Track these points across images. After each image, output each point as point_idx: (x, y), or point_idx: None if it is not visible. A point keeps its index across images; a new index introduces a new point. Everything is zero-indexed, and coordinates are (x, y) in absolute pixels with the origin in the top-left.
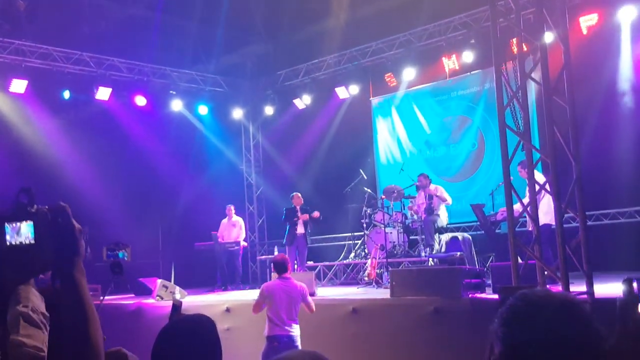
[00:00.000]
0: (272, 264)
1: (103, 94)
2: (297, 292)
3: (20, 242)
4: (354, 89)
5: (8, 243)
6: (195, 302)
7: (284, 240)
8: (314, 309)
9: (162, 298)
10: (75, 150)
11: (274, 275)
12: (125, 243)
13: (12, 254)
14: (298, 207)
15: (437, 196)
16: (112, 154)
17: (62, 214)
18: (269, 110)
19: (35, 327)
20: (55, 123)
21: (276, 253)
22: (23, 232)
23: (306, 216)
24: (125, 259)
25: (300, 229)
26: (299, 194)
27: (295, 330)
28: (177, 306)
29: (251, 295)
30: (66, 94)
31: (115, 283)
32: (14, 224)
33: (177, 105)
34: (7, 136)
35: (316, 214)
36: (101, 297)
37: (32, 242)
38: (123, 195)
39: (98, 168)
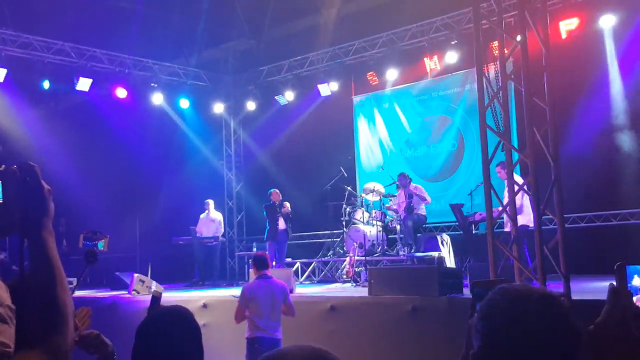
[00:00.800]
0: (251, 260)
1: (83, 84)
2: (279, 291)
3: None
4: (336, 87)
5: None
6: (172, 297)
7: (265, 237)
8: (295, 313)
9: (138, 292)
10: (54, 141)
11: (252, 272)
12: (103, 233)
13: None
14: (277, 203)
15: (416, 195)
16: (92, 145)
17: (31, 173)
18: (250, 105)
19: (1, 322)
20: (34, 113)
21: (255, 250)
22: None
23: (287, 207)
24: (102, 249)
25: (281, 225)
26: (277, 190)
27: (279, 333)
28: (156, 298)
29: (229, 292)
30: (46, 84)
31: (90, 273)
32: None
33: (158, 98)
34: None
35: (286, 205)
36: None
37: (0, 201)
38: (102, 187)
39: (77, 159)
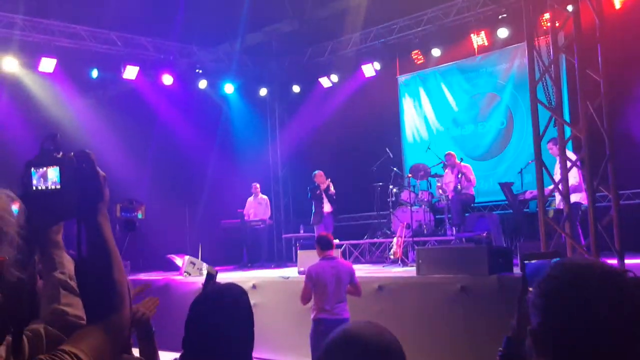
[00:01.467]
0: (315, 240)
1: (130, 72)
2: (345, 272)
3: (46, 187)
4: (380, 67)
5: (34, 187)
6: (221, 279)
7: (311, 220)
8: (361, 293)
9: (189, 274)
10: (103, 129)
11: (316, 252)
12: (139, 201)
13: (38, 198)
14: (321, 186)
15: (463, 173)
16: (139, 132)
17: (87, 160)
18: (294, 88)
19: (75, 295)
20: (83, 102)
21: (301, 232)
22: (50, 177)
23: (331, 189)
24: (141, 217)
25: (327, 207)
26: (321, 172)
27: (346, 312)
28: (212, 275)
29: (277, 273)
30: (94, 73)
31: (142, 256)
32: (40, 169)
33: (203, 83)
34: (37, 114)
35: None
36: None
37: (58, 187)
38: (150, 173)
39: (125, 147)
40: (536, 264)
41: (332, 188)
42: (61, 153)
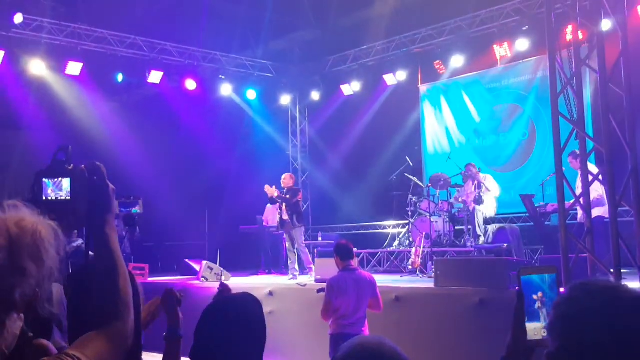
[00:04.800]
0: (334, 249)
1: (155, 77)
2: (367, 285)
3: (57, 198)
4: (402, 76)
5: (44, 197)
6: (239, 284)
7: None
8: (382, 308)
9: (207, 279)
10: (127, 133)
11: (335, 262)
12: (137, 195)
13: (47, 208)
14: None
15: (484, 184)
16: (162, 137)
17: (98, 172)
18: (316, 96)
19: None
20: (108, 105)
21: (320, 239)
22: (65, 188)
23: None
24: (139, 211)
25: (284, 215)
26: (287, 175)
27: (366, 328)
28: (222, 292)
29: (295, 280)
30: (119, 77)
31: (161, 259)
32: (56, 180)
33: (226, 89)
34: (62, 117)
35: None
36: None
37: (68, 197)
38: (172, 177)
39: (149, 150)
40: None
41: (298, 195)
42: (72, 165)
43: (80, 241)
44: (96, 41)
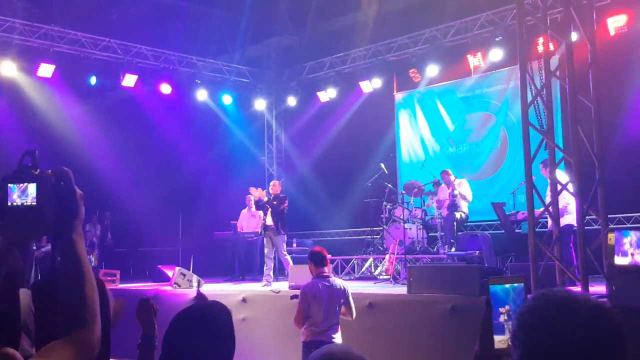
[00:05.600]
0: (308, 256)
1: (129, 80)
2: (340, 292)
3: (22, 203)
4: (378, 84)
5: (10, 203)
6: (212, 291)
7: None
8: (354, 315)
9: (179, 286)
10: (100, 136)
11: (297, 268)
12: (91, 248)
13: (13, 214)
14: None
15: (458, 190)
16: (136, 141)
17: (65, 178)
18: (292, 102)
19: None
20: (81, 108)
21: (295, 246)
22: (30, 193)
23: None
24: (93, 263)
25: (268, 220)
26: (275, 182)
27: (338, 336)
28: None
29: (268, 287)
30: (93, 80)
31: (133, 266)
32: (21, 185)
33: (201, 94)
34: (33, 119)
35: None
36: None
37: (34, 203)
38: (146, 182)
39: (122, 154)
40: None
41: (284, 203)
42: (38, 170)
43: (49, 246)
44: (69, 43)
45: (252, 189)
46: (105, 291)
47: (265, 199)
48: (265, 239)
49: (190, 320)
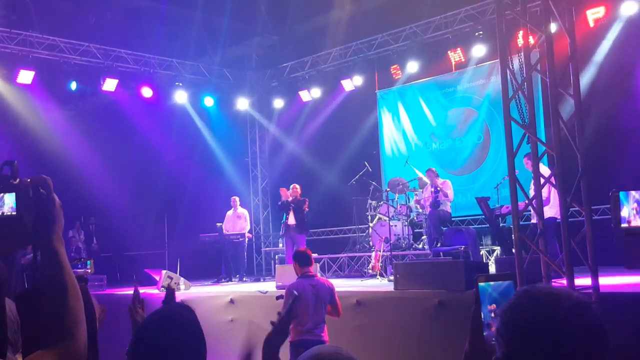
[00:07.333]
0: (293, 256)
1: (109, 85)
2: (325, 291)
3: (2, 213)
4: (359, 81)
5: None
6: (199, 293)
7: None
8: (341, 313)
9: (166, 289)
10: (81, 141)
11: (294, 269)
12: (86, 256)
13: None
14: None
15: (440, 189)
16: (118, 145)
17: (44, 185)
18: (274, 102)
19: None
20: (62, 114)
21: (281, 246)
22: (7, 203)
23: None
24: (90, 271)
25: (290, 219)
26: (295, 185)
27: (325, 334)
28: (171, 292)
29: (255, 287)
30: (73, 85)
31: (120, 270)
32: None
33: (182, 96)
34: (14, 127)
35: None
36: (104, 282)
37: (14, 213)
38: (129, 186)
39: (104, 159)
40: None
41: (306, 204)
42: (18, 179)
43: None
44: (48, 49)
45: (283, 190)
46: (89, 298)
47: (291, 199)
48: (285, 238)
49: (153, 328)
